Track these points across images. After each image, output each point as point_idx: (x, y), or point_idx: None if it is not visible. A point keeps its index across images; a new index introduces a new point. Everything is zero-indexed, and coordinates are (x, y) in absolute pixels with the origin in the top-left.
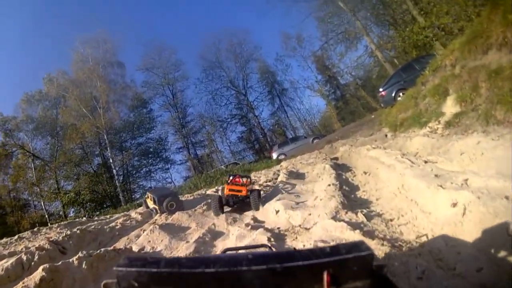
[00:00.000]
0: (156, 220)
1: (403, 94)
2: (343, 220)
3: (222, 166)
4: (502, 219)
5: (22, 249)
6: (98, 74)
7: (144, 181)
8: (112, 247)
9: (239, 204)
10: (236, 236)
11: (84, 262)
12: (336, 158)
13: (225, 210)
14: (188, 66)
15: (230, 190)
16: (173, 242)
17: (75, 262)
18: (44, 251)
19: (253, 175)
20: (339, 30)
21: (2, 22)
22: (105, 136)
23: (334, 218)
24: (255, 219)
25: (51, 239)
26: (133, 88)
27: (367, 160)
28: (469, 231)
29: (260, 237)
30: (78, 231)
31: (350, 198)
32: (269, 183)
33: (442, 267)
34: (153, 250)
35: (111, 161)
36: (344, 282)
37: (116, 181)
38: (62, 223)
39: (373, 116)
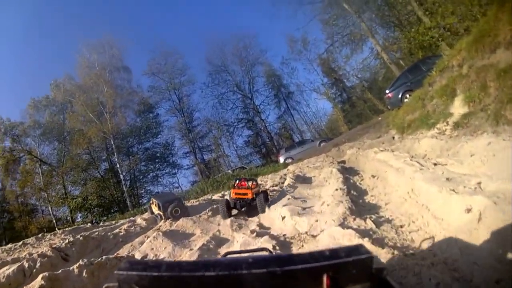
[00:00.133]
0: (160, 226)
1: (410, 95)
2: (351, 227)
3: (229, 171)
4: None
5: (25, 255)
6: (105, 79)
7: (151, 186)
8: (115, 254)
9: (247, 207)
10: (240, 243)
11: (85, 270)
12: (343, 162)
13: (233, 214)
14: (194, 70)
15: (236, 194)
16: (177, 250)
17: (76, 271)
18: (46, 258)
19: (259, 179)
20: (344, 32)
21: (9, 28)
22: (112, 141)
23: (342, 225)
24: (260, 225)
25: (53, 246)
26: (139, 93)
27: (375, 163)
28: (485, 239)
29: (265, 245)
30: (81, 238)
31: (358, 203)
32: (275, 188)
33: (457, 278)
34: (156, 257)
35: (118, 166)
36: (344, 285)
37: (123, 186)
38: (66, 229)
39: (380, 118)
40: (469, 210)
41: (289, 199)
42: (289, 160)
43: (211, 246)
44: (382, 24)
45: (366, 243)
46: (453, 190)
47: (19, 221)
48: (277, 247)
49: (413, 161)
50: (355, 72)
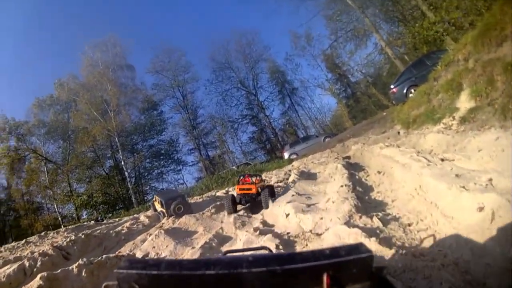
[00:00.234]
0: (163, 224)
1: (414, 90)
2: (357, 226)
3: (234, 167)
4: None
5: (27, 254)
6: (108, 77)
7: (156, 183)
8: (117, 252)
9: (252, 202)
10: (243, 242)
11: (84, 269)
12: (348, 157)
13: (239, 209)
14: (197, 67)
15: (240, 189)
16: (178, 248)
17: (75, 270)
18: (47, 257)
19: (264, 176)
20: (348, 28)
21: (12, 29)
22: (116, 138)
23: (348, 223)
24: (264, 222)
25: (54, 245)
26: (143, 90)
27: (380, 158)
28: (499, 240)
29: (268, 244)
30: (82, 236)
31: (364, 200)
32: (280, 184)
33: (470, 282)
34: (157, 256)
35: (122, 163)
36: (344, 284)
37: (128, 183)
38: (69, 227)
39: (384, 114)
40: (481, 209)
41: (293, 195)
42: (294, 156)
43: (213, 244)
44: (386, 19)
45: (373, 243)
46: (463, 187)
47: (25, 219)
48: (281, 246)
49: (420, 156)
50: (359, 68)
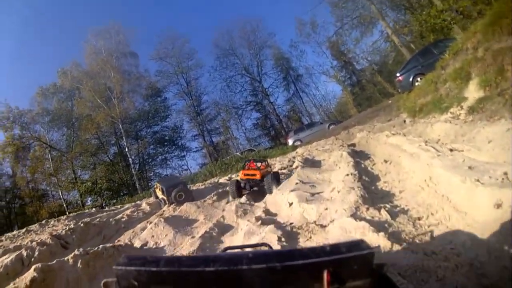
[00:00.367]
0: (163, 211)
1: (420, 79)
2: (364, 219)
3: (238, 153)
4: None
5: (27, 243)
6: (112, 65)
7: (160, 169)
8: (116, 241)
9: (256, 187)
10: (244, 232)
11: (80, 260)
12: (353, 145)
13: (242, 194)
14: (201, 54)
15: (245, 174)
16: (178, 237)
17: (70, 261)
18: (45, 246)
19: None
20: (353, 15)
21: (15, 17)
22: (120, 125)
23: (354, 215)
24: (266, 211)
25: (53, 234)
26: (147, 77)
27: (387, 147)
28: None
29: (269, 236)
30: (82, 225)
31: (371, 190)
32: (283, 171)
33: (487, 285)
34: (156, 245)
35: (127, 150)
36: (345, 281)
37: (132, 170)
38: (70, 214)
39: (390, 102)
40: (498, 206)
41: (297, 183)
42: (298, 143)
43: (214, 233)
44: (392, 6)
45: (382, 239)
46: (478, 181)
47: (30, 206)
48: (283, 239)
49: (428, 146)
50: (365, 55)
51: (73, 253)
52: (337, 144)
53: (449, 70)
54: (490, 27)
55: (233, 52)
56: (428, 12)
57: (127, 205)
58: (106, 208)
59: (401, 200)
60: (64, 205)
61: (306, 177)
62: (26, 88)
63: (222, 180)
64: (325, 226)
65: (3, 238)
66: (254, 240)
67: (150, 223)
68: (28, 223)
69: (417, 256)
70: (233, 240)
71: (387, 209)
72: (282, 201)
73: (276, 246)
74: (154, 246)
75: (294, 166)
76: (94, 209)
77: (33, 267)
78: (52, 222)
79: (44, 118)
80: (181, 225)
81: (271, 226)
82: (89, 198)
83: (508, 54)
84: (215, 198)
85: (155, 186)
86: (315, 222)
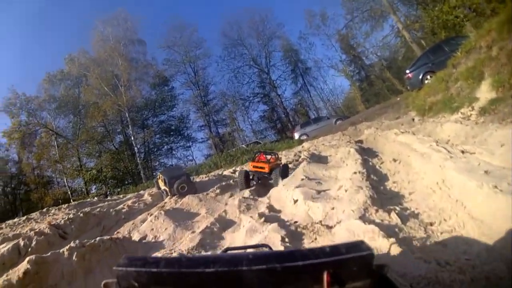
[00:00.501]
0: (165, 203)
1: (431, 77)
2: (373, 222)
3: (243, 145)
4: None
5: (26, 231)
6: (119, 52)
7: (166, 159)
8: (115, 233)
9: (264, 180)
10: (247, 229)
11: (75, 253)
12: (361, 141)
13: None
14: (209, 43)
15: (254, 166)
16: (178, 231)
17: (65, 253)
18: (42, 236)
19: None
20: (364, 8)
21: (24, 3)
22: (126, 114)
23: (363, 217)
24: (270, 207)
25: (52, 223)
26: (154, 66)
27: (396, 145)
28: None
29: (272, 235)
30: (81, 215)
31: (379, 190)
32: (289, 165)
33: None
34: (155, 239)
35: (132, 138)
36: (345, 282)
37: (138, 159)
38: (72, 203)
39: (398, 99)
40: None
41: (302, 179)
42: (304, 137)
43: (215, 229)
44: (404, 1)
45: (392, 245)
46: (496, 187)
47: (35, 192)
48: (287, 239)
49: (440, 146)
50: (374, 50)
51: (68, 245)
52: (344, 140)
53: (461, 69)
54: (506, 26)
55: (241, 42)
56: (440, 8)
57: (129, 195)
58: (109, 198)
59: (411, 202)
60: (69, 193)
61: (312, 173)
62: (33, 75)
63: (227, 172)
64: (331, 227)
65: (3, 225)
66: (256, 239)
67: (151, 215)
68: (32, 209)
69: (430, 266)
70: (234, 237)
71: (397, 211)
72: (287, 198)
73: (279, 247)
74: (153, 240)
75: (300, 162)
76: (96, 198)
77: (27, 259)
78: (53, 211)
79: (51, 105)
80: (181, 218)
81: (275, 225)
82: (94, 186)
83: None
84: (218, 191)
85: (158, 176)
86: (320, 222)
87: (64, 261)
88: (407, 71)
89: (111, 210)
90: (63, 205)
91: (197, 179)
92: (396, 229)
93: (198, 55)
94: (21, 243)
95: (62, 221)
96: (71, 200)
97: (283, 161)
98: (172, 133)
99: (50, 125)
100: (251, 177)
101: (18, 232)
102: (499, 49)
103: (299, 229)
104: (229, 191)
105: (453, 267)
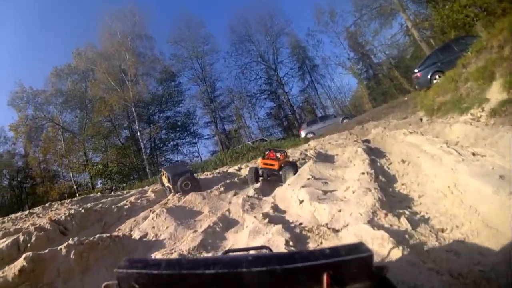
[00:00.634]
0: (168, 200)
1: (439, 76)
2: (382, 227)
3: (249, 142)
4: None
5: (28, 226)
6: (127, 47)
7: (171, 155)
8: (116, 230)
9: (273, 176)
10: (250, 230)
11: (73, 251)
12: (368, 141)
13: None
14: (217, 39)
15: (264, 164)
16: (179, 230)
17: (63, 251)
18: (42, 232)
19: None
20: (373, 5)
21: None
22: (133, 109)
23: (371, 221)
24: (275, 207)
25: (53, 219)
26: (161, 61)
27: (404, 146)
28: None
29: (276, 238)
30: (82, 211)
31: (388, 192)
32: None
33: None
34: (155, 238)
35: (138, 134)
36: (344, 283)
37: (143, 154)
38: (74, 198)
39: (406, 98)
40: None
41: (308, 179)
42: (310, 135)
43: (217, 228)
44: None
45: (403, 252)
46: None
47: (41, 186)
48: (291, 243)
49: (451, 148)
50: (383, 48)
51: (66, 243)
52: (351, 139)
53: (471, 69)
54: None
55: (249, 38)
56: (450, 7)
57: (132, 191)
58: (112, 193)
59: (421, 206)
60: (75, 187)
61: (318, 173)
62: (40, 69)
63: (232, 170)
64: (338, 231)
65: (5, 219)
66: (259, 241)
67: (153, 212)
68: (38, 203)
69: (442, 279)
70: (237, 238)
71: (406, 216)
72: (292, 198)
73: (283, 251)
74: (153, 239)
75: (306, 160)
76: (99, 193)
77: (24, 255)
78: (55, 206)
79: (58, 99)
80: (184, 216)
81: (279, 227)
82: (99, 181)
83: None
84: (222, 189)
85: (161, 173)
86: (327, 225)
87: (62, 259)
88: (416, 70)
89: (113, 206)
90: (66, 200)
91: (202, 176)
92: (406, 235)
93: (206, 50)
94: (21, 238)
95: (63, 217)
96: (77, 194)
97: (290, 159)
98: (178, 129)
99: (57, 119)
100: (260, 173)
101: (19, 226)
102: (511, 49)
103: (304, 232)
104: (234, 189)
105: (467, 279)
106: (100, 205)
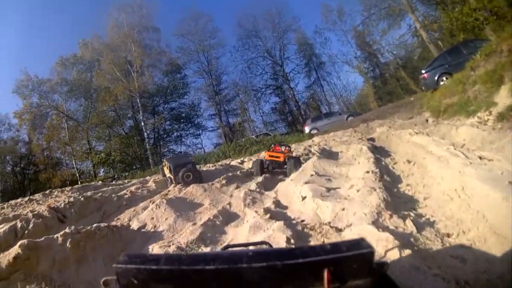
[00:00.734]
0: (169, 191)
1: (446, 78)
2: (387, 228)
3: (253, 136)
4: None
5: (27, 212)
6: (133, 39)
7: (175, 146)
8: (115, 219)
9: (278, 169)
10: (250, 225)
11: (69, 240)
12: (373, 139)
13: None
14: (224, 33)
15: (270, 156)
16: (178, 222)
17: (59, 239)
18: (40, 219)
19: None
20: (382, 5)
21: None
22: (138, 99)
23: (376, 222)
24: (277, 202)
25: (52, 206)
26: (167, 53)
27: (410, 146)
28: None
29: (277, 235)
30: (82, 199)
31: (392, 193)
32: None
33: None
34: (154, 229)
35: (142, 124)
36: (345, 279)
37: (147, 144)
38: (75, 186)
39: (412, 99)
40: None
41: (312, 175)
42: (315, 131)
43: (217, 222)
44: (422, 0)
45: (408, 257)
46: None
47: (43, 173)
48: (292, 240)
49: (458, 151)
50: (390, 48)
51: (63, 231)
52: (355, 137)
53: (479, 72)
54: None
55: (256, 34)
56: (460, 9)
57: (134, 181)
58: (114, 182)
59: (426, 208)
60: (77, 175)
61: (322, 169)
62: (46, 58)
63: (234, 163)
64: (341, 230)
65: (5, 205)
66: (260, 236)
67: (153, 202)
68: (40, 190)
69: (449, 286)
70: (237, 232)
71: (411, 218)
72: (295, 193)
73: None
74: (152, 230)
75: (309, 156)
76: (100, 182)
77: (19, 243)
78: (55, 193)
79: (63, 88)
80: (184, 208)
81: (280, 223)
82: (102, 169)
83: None
84: (224, 182)
85: (163, 163)
86: (329, 223)
87: (57, 247)
88: (423, 71)
89: (113, 195)
90: (66, 188)
91: (204, 168)
92: (412, 239)
93: (212, 44)
94: (19, 225)
95: (62, 205)
96: (79, 182)
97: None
98: (182, 120)
99: (61, 108)
100: (265, 166)
101: (19, 213)
102: None
103: (306, 230)
104: (235, 183)
105: None
106: (100, 194)
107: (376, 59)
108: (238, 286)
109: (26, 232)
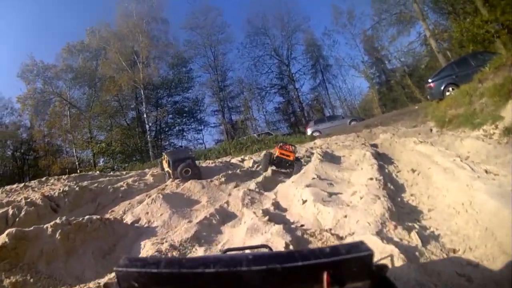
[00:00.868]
0: (166, 186)
1: (453, 89)
2: (391, 240)
3: (255, 134)
4: None
5: (21, 199)
6: (141, 29)
7: (176, 139)
8: (110, 211)
9: (283, 168)
10: (247, 227)
11: (59, 230)
12: (375, 145)
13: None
14: (232, 29)
15: (280, 153)
16: (174, 219)
17: (49, 230)
18: (33, 207)
19: None
20: (393, 11)
21: None
22: (142, 91)
23: (380, 233)
24: (276, 204)
25: (45, 194)
26: (174, 46)
27: (414, 155)
28: None
29: (276, 240)
30: (76, 188)
31: (396, 202)
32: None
33: None
34: (148, 224)
35: (145, 116)
36: (344, 282)
37: (148, 137)
38: (72, 175)
39: (416, 107)
40: None
41: (313, 178)
42: (317, 134)
43: (214, 221)
44: (434, 9)
45: (413, 273)
46: None
47: (43, 159)
48: (291, 247)
49: (464, 163)
50: (398, 55)
51: (53, 221)
52: (358, 142)
53: (487, 85)
54: None
55: (265, 32)
56: (472, 21)
57: (132, 173)
58: (111, 173)
59: (431, 221)
60: (77, 163)
61: (324, 173)
62: (52, 43)
63: (234, 160)
64: (342, 238)
65: (0, 190)
66: (257, 239)
67: (149, 196)
68: (39, 176)
69: None
70: (233, 233)
71: (416, 230)
72: (295, 196)
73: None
74: (146, 225)
75: (312, 159)
76: (97, 172)
77: (7, 231)
78: (52, 181)
79: (68, 75)
80: (180, 205)
81: (279, 227)
82: (102, 159)
83: None
84: (223, 179)
85: (162, 157)
86: (330, 230)
87: (46, 238)
88: (430, 80)
89: (109, 186)
90: (63, 176)
91: (203, 164)
92: (417, 253)
93: (220, 39)
94: (10, 212)
95: (56, 193)
96: (78, 171)
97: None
98: (185, 114)
99: (65, 95)
100: (274, 160)
101: (12, 199)
102: None
103: (306, 236)
104: (235, 181)
105: None
106: (96, 184)
107: (383, 65)
108: None
109: (17, 219)
